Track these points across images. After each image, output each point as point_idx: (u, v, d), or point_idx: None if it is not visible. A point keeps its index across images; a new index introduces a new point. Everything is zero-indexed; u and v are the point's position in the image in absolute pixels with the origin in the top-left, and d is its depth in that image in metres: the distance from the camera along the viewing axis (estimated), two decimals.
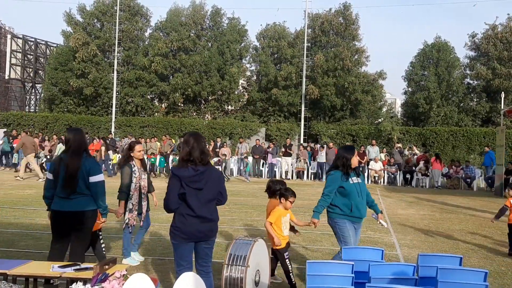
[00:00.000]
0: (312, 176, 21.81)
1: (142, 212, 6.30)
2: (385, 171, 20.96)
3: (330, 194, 5.22)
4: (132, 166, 6.25)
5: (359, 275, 3.76)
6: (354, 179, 5.24)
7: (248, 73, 31.12)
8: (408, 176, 20.41)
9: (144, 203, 6.30)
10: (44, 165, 18.97)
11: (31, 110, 36.04)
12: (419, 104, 27.80)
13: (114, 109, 27.23)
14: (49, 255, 4.85)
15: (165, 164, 21.33)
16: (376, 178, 20.80)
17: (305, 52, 26.99)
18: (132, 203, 6.17)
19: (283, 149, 22.10)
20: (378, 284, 3.29)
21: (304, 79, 26.89)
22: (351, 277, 3.62)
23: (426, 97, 27.63)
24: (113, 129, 26.44)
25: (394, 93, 60.77)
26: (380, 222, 5.22)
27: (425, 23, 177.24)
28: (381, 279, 3.57)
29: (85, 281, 3.66)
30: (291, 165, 21.88)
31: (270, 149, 22.09)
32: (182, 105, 29.62)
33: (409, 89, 29.97)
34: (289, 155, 21.84)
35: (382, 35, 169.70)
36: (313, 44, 28.75)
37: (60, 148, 20.51)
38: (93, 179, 4.76)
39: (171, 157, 22.34)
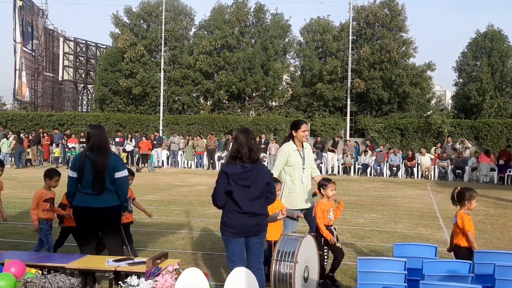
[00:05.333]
0: (359, 171, 21.50)
1: None
2: (436, 166, 20.36)
3: None
4: None
5: (411, 272, 3.66)
6: None
7: (292, 69, 30.98)
8: (458, 171, 19.73)
9: None
10: None
11: (83, 110, 37.36)
12: (471, 96, 26.75)
13: (161, 107, 27.83)
14: (81, 253, 4.89)
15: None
16: (426, 172, 20.24)
17: (350, 45, 26.56)
18: None
19: (331, 142, 22.00)
20: (432, 282, 3.19)
21: (349, 73, 26.48)
22: (404, 274, 3.53)
23: (479, 88, 26.54)
24: (161, 127, 27.05)
25: (444, 85, 58.81)
26: None
27: (476, 11, 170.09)
28: (435, 277, 3.46)
29: (138, 275, 3.77)
30: (337, 160, 21.66)
31: (317, 144, 22.14)
32: (227, 102, 29.88)
33: (460, 80, 28.89)
34: (332, 151, 21.65)
35: (430, 24, 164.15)
36: (359, 37, 28.23)
37: (3, 142, 21.34)
38: (119, 174, 4.83)
39: (216, 154, 22.67)
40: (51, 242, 5.90)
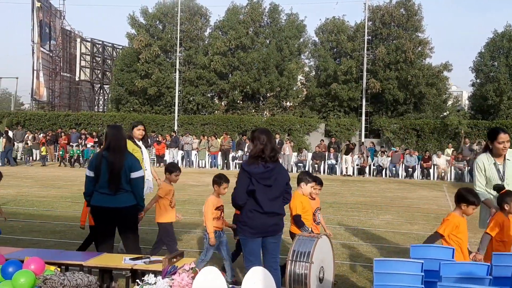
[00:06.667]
0: (374, 172, 21.37)
1: None
2: (452, 167, 20.15)
3: None
4: None
5: (428, 274, 3.63)
6: None
7: (306, 69, 30.90)
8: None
9: None
10: None
11: (100, 110, 37.69)
12: (488, 97, 26.39)
13: (176, 107, 27.99)
14: (98, 251, 4.97)
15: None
16: (442, 174, 20.04)
17: (365, 45, 26.41)
18: None
19: (344, 148, 21.86)
20: (450, 284, 3.17)
21: (364, 73, 26.33)
22: (421, 276, 3.51)
23: (496, 89, 26.17)
24: (176, 127, 27.19)
25: (461, 85, 58.10)
26: None
27: (494, 11, 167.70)
28: (452, 278, 3.43)
29: (155, 273, 3.81)
30: (351, 161, 21.56)
31: (333, 145, 22.22)
32: (241, 102, 29.92)
33: (478, 80, 28.54)
34: (349, 152, 21.56)
35: (447, 24, 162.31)
36: (374, 37, 28.05)
37: (1, 142, 21.60)
38: (134, 175, 4.86)
39: (231, 154, 22.73)
40: (209, 255, 5.44)
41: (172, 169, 5.95)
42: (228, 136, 23.52)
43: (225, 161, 22.58)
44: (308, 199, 5.18)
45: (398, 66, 26.27)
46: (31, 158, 22.99)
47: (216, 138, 23.26)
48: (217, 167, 22.57)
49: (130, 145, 6.18)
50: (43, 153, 22.47)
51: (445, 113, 28.57)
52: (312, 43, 30.55)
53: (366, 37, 26.43)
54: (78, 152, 22.28)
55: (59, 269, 4.07)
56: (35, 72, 33.18)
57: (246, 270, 3.47)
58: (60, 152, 22.65)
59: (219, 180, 5.35)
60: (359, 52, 27.05)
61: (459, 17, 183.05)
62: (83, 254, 4.89)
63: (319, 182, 5.37)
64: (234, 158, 22.71)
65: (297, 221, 4.97)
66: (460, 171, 19.84)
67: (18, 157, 23.63)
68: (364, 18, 27.54)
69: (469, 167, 19.62)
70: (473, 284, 3.36)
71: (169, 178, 5.92)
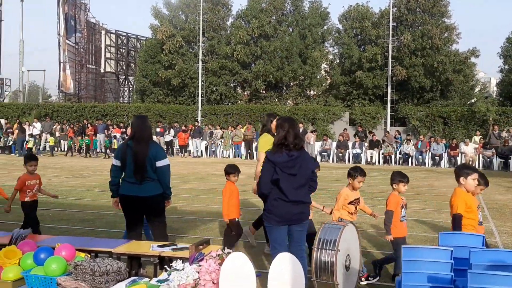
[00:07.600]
0: (400, 161, 21.08)
1: None
2: (480, 155, 19.73)
3: None
4: None
5: (458, 262, 3.57)
6: None
7: (330, 57, 30.58)
8: (504, 159, 19.03)
9: None
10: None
11: (125, 101, 38.20)
12: None
13: (200, 98, 28.12)
14: (127, 238, 5.05)
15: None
16: (470, 162, 19.62)
17: (390, 32, 25.94)
18: None
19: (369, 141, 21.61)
20: (480, 271, 3.11)
21: (390, 60, 25.90)
22: (450, 263, 3.45)
23: None
24: (199, 118, 27.33)
25: (488, 71, 56.73)
26: None
27: None
28: (483, 266, 3.37)
29: (182, 260, 3.86)
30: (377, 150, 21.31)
31: (359, 133, 22.09)
32: (264, 92, 29.85)
33: (506, 66, 27.77)
34: (374, 147, 21.24)
35: (474, 9, 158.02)
36: (399, 23, 27.52)
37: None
38: (160, 163, 4.90)
39: (254, 144, 22.74)
40: None
41: None
42: (251, 126, 23.51)
43: (249, 151, 22.59)
44: (472, 197, 4.55)
45: (424, 52, 25.76)
46: (58, 148, 23.65)
47: (240, 128, 23.30)
48: (241, 157, 22.62)
49: (269, 139, 5.60)
50: (51, 144, 23.09)
51: (472, 100, 27.97)
52: (336, 31, 30.21)
53: (391, 24, 25.97)
54: (87, 141, 22.77)
55: (89, 255, 4.16)
56: (61, 64, 33.79)
57: (272, 258, 3.48)
58: (67, 142, 23.29)
59: None
60: (384, 39, 26.62)
61: (487, 2, 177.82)
62: (112, 241, 4.98)
63: (483, 179, 4.70)
64: (257, 148, 22.70)
65: (457, 221, 4.35)
66: (488, 159, 19.41)
67: (47, 148, 24.21)
68: (388, 4, 27.06)
69: (497, 155, 19.17)
70: (504, 272, 3.28)
71: None
